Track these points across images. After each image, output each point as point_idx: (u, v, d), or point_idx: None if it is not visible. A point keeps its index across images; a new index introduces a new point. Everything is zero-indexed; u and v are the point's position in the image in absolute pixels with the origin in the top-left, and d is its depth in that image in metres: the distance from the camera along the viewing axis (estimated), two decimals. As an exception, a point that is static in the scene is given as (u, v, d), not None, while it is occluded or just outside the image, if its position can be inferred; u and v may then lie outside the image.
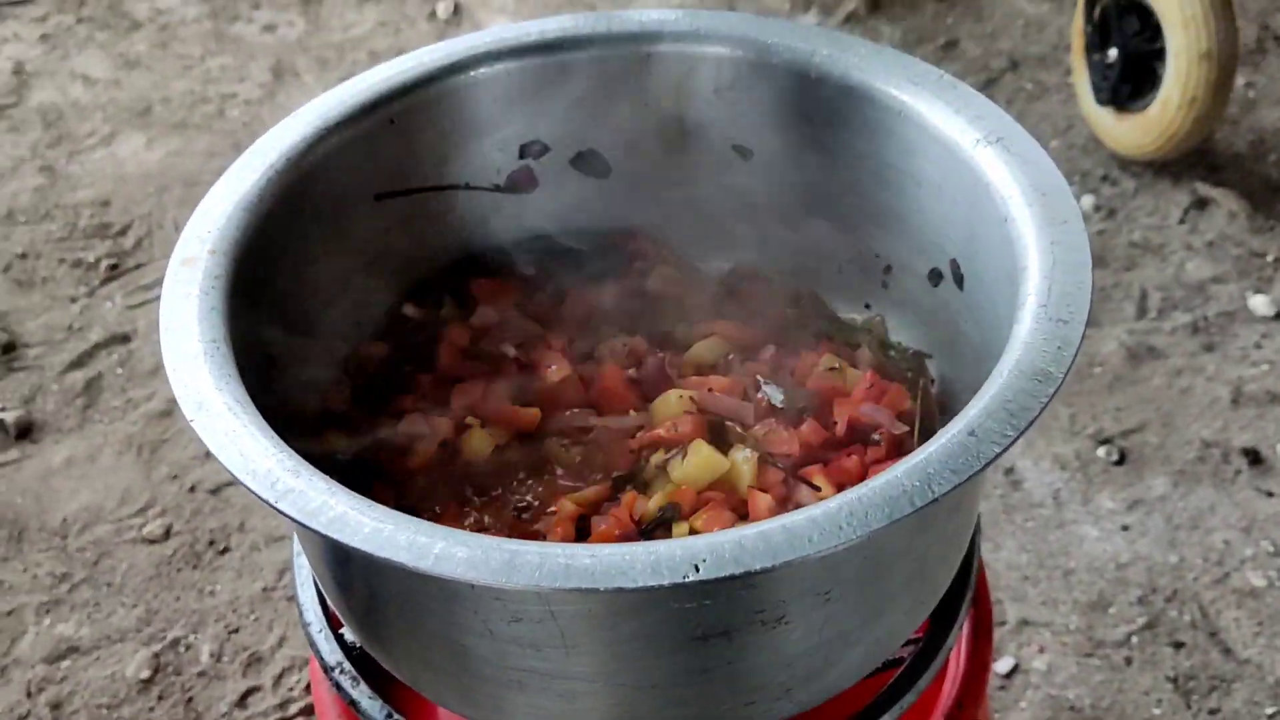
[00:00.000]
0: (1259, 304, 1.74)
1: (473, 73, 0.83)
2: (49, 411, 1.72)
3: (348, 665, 0.75)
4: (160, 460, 1.66)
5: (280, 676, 1.43)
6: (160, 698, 1.41)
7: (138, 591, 1.51)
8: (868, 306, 0.88)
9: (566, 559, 0.54)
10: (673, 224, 0.90)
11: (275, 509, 0.56)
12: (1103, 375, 1.68)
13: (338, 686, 0.75)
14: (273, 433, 0.60)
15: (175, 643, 1.46)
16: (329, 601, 0.76)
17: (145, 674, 1.43)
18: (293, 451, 0.59)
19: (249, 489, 0.57)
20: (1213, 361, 1.69)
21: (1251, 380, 1.65)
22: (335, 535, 0.55)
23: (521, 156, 0.87)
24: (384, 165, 0.83)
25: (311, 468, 0.58)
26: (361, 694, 0.74)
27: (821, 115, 0.82)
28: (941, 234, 0.79)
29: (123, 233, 1.98)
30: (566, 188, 0.88)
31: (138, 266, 1.92)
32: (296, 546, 0.80)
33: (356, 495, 0.57)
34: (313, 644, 0.77)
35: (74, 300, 1.88)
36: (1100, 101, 1.93)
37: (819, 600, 0.61)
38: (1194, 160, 1.95)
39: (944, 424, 0.60)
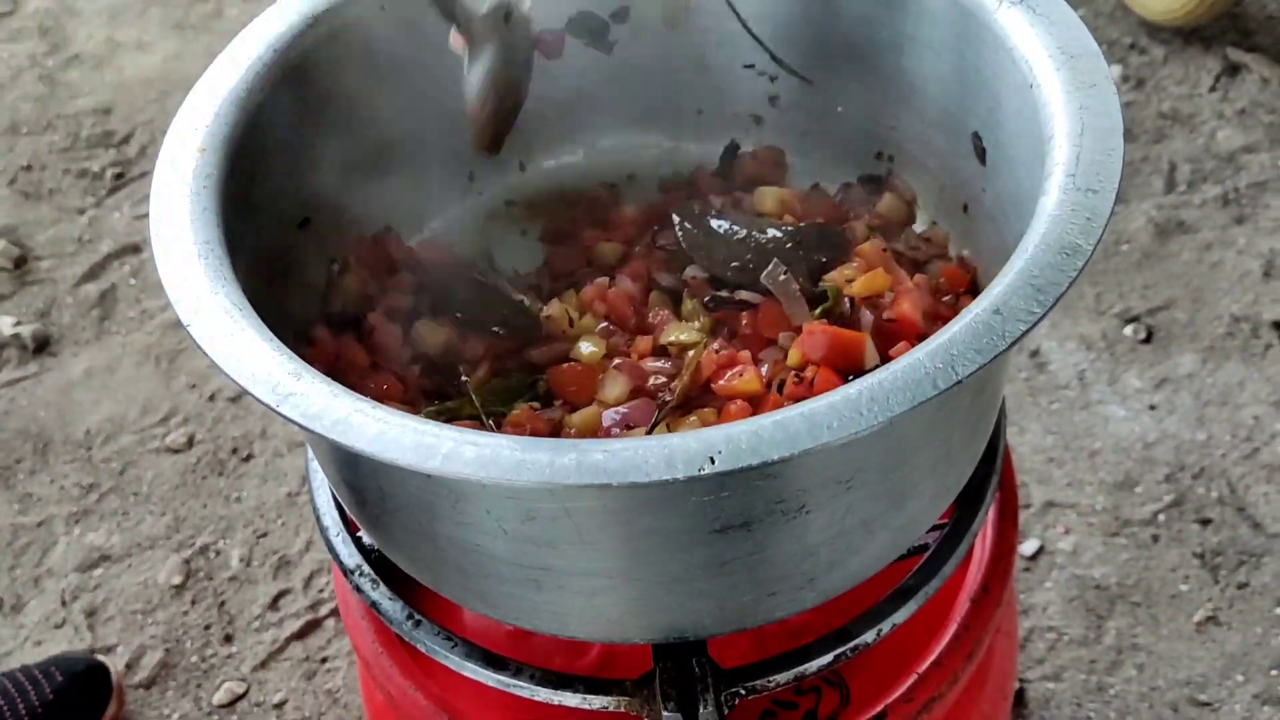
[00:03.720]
0: (1293, 173, 1.69)
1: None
2: (65, 324, 1.72)
3: (366, 568, 0.75)
4: (179, 370, 1.65)
5: (310, 579, 1.44)
6: (193, 602, 1.43)
7: (165, 500, 1.52)
8: (886, 173, 0.85)
9: (578, 455, 0.53)
10: (678, 98, 0.86)
11: (277, 413, 0.54)
12: (1130, 252, 1.64)
13: (358, 589, 0.74)
14: (272, 335, 0.58)
15: (205, 549, 1.47)
16: (344, 505, 0.75)
17: (177, 580, 1.45)
18: (293, 354, 0.57)
19: (249, 393, 0.55)
20: (1243, 234, 1.64)
21: (1284, 252, 1.61)
22: (339, 439, 0.53)
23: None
24: (379, 51, 0.79)
25: (313, 370, 0.57)
26: (382, 595, 0.74)
27: (834, -17, 0.78)
28: (962, 105, 0.75)
29: (126, 140, 1.95)
30: (573, 60, 0.84)
31: (143, 175, 1.89)
32: (310, 451, 0.79)
33: (360, 397, 0.55)
34: (331, 548, 0.77)
35: (81, 212, 1.85)
36: (1128, -35, 1.85)
37: (841, 488, 0.59)
38: (1225, 25, 1.87)
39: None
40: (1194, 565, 1.35)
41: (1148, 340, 1.55)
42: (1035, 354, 1.55)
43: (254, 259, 0.67)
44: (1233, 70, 1.83)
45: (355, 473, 0.65)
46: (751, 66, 0.84)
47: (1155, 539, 1.38)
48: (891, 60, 0.80)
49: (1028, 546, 1.38)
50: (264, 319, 0.60)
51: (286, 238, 0.73)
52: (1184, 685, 1.27)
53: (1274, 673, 1.27)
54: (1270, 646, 1.28)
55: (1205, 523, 1.38)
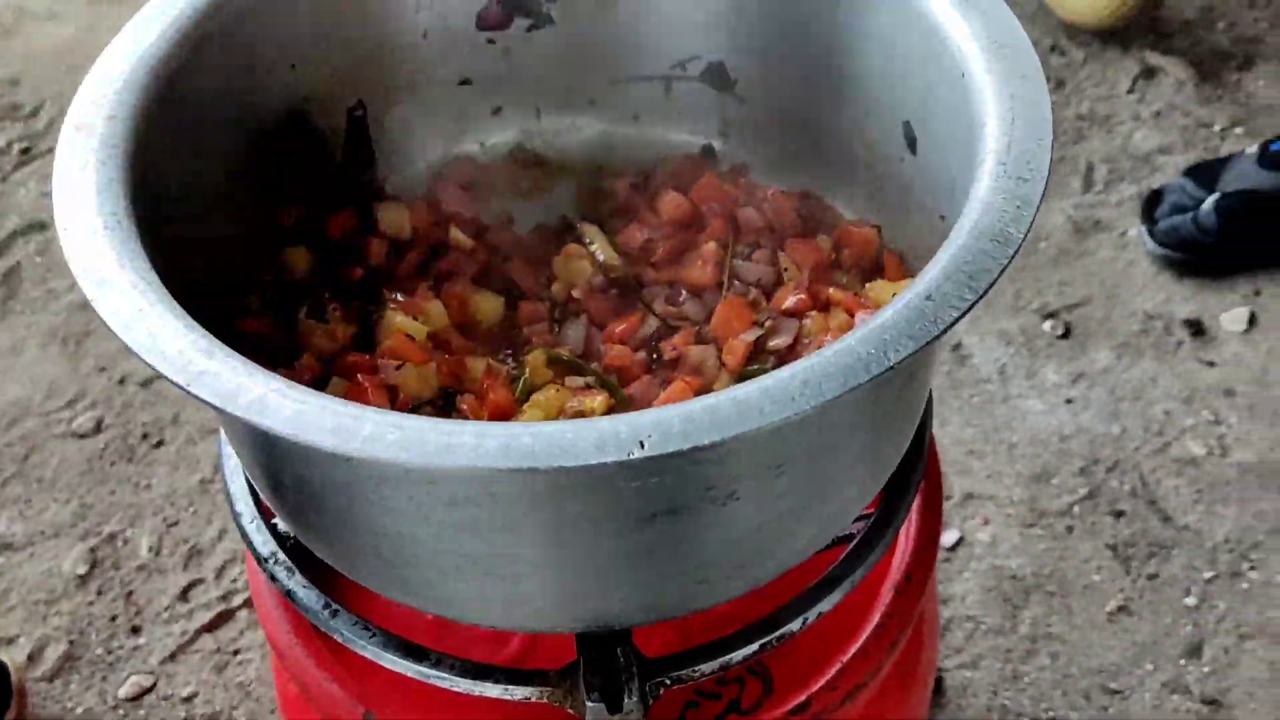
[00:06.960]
0: (1205, 175, 1.73)
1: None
2: (-35, 304, 1.65)
3: (282, 556, 0.72)
4: (86, 352, 1.60)
5: (222, 569, 1.40)
6: (99, 592, 1.38)
7: (70, 486, 1.47)
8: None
9: (506, 438, 0.51)
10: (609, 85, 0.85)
11: (188, 392, 0.52)
12: (1048, 249, 1.67)
13: (272, 578, 0.72)
14: (184, 311, 0.56)
15: (112, 537, 1.42)
16: (258, 490, 0.73)
17: (82, 569, 1.39)
18: (206, 331, 0.55)
19: (158, 371, 0.53)
20: (1158, 233, 1.68)
21: (1196, 251, 1.64)
22: (254, 419, 0.51)
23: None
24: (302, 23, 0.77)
25: (227, 348, 0.54)
26: (297, 584, 0.71)
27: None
28: (894, 95, 0.75)
29: (34, 114, 1.87)
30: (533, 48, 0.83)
31: (51, 150, 1.80)
32: (223, 434, 0.77)
33: (277, 376, 0.53)
34: (245, 535, 0.74)
35: (-15, 187, 1.78)
36: (1051, -33, 1.88)
37: (771, 475, 0.59)
38: (1144, 28, 1.91)
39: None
40: (1106, 556, 1.38)
41: (1065, 336, 1.58)
42: (958, 348, 1.57)
43: (164, 233, 0.64)
44: (1149, 73, 1.87)
45: (270, 455, 0.63)
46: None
47: (1070, 530, 1.40)
48: (825, 51, 0.79)
49: (948, 537, 1.39)
50: (183, 295, 0.58)
51: (204, 214, 0.70)
52: (1096, 673, 1.29)
53: (1182, 662, 1.30)
54: (1179, 636, 1.31)
55: (1118, 515, 1.41)
